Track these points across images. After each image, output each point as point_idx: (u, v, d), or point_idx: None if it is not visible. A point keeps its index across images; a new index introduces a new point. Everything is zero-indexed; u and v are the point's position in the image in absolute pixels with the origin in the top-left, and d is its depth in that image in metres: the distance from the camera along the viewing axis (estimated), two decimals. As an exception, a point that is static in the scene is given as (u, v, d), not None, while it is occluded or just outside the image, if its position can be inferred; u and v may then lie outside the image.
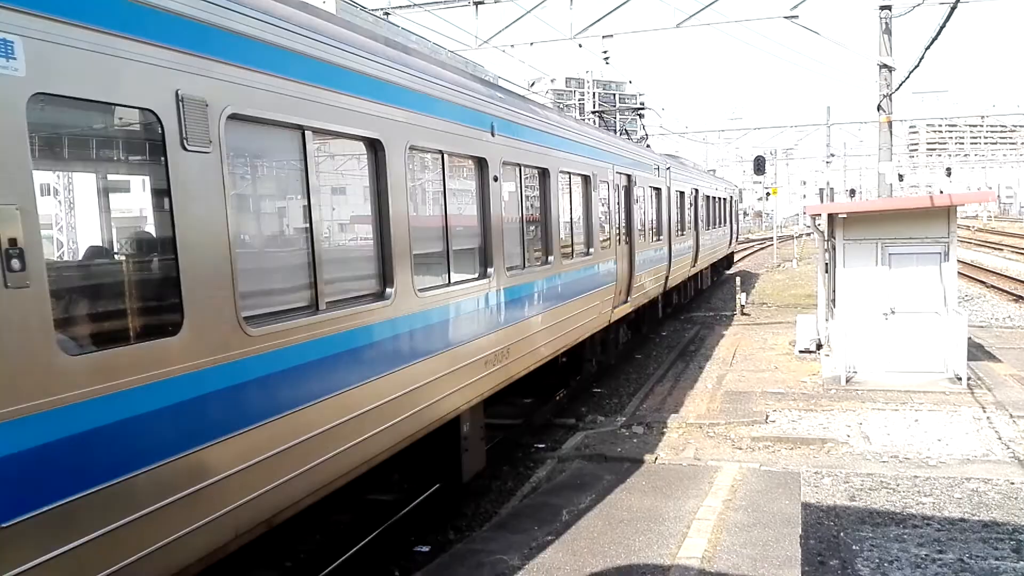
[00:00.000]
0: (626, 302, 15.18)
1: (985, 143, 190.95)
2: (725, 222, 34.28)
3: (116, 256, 6.22)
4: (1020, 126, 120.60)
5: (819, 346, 16.66)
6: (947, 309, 13.61)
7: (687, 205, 22.91)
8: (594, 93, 73.72)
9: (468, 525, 8.95)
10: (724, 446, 10.76)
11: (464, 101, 7.99)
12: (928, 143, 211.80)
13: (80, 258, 5.96)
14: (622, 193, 14.89)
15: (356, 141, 6.26)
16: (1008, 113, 69.49)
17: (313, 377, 5.47)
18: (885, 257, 13.88)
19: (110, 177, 6.70)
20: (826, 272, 16.53)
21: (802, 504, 7.98)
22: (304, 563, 8.15)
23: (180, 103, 4.36)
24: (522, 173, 9.78)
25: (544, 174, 10.49)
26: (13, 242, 3.45)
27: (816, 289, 18.59)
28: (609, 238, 13.85)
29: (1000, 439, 10.59)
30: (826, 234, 16.01)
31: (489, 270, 8.48)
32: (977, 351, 15.87)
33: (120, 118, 4.68)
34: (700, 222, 25.31)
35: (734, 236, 39.46)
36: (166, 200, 4.37)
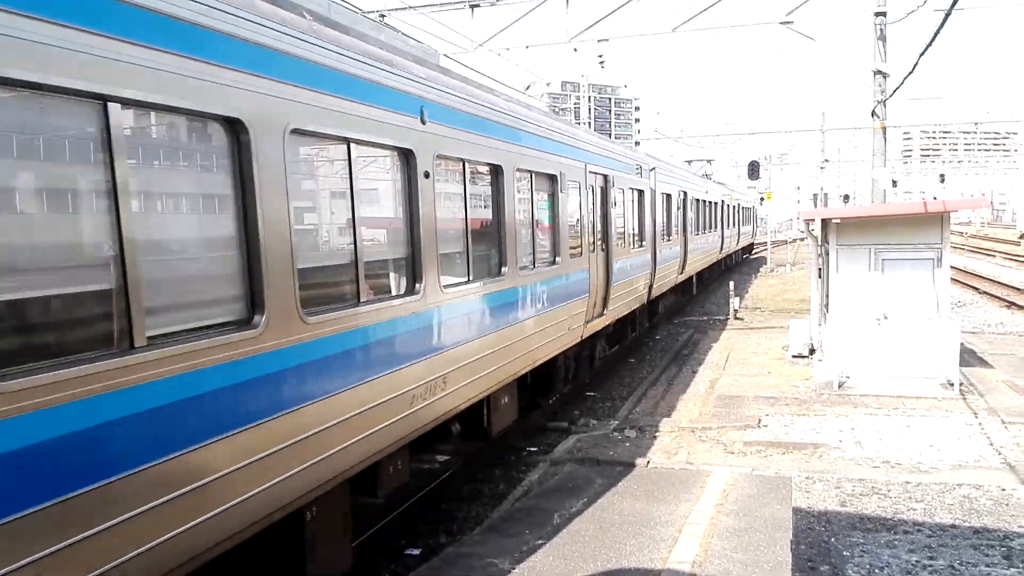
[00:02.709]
0: (602, 315, 13.93)
1: (979, 150, 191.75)
2: (728, 226, 34.13)
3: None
4: (1014, 133, 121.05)
5: (812, 351, 16.67)
6: (940, 315, 13.64)
7: (675, 208, 22.14)
8: (589, 97, 73.73)
9: (459, 528, 8.93)
10: (716, 450, 10.76)
11: (380, 78, 6.59)
12: (922, 149, 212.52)
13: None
14: (597, 195, 13.56)
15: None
16: (1002, 120, 69.81)
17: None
18: (878, 263, 13.91)
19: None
20: (819, 277, 16.55)
21: (793, 509, 7.97)
22: (292, 565, 8.11)
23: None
24: (466, 169, 8.34)
25: (496, 171, 9.12)
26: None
27: (809, 294, 18.62)
28: (580, 245, 12.49)
29: (992, 445, 10.60)
30: (819, 239, 16.03)
31: (418, 285, 7.06)
32: (969, 357, 15.91)
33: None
34: (689, 227, 24.73)
35: (732, 240, 39.71)
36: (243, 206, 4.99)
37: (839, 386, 13.68)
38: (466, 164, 8.29)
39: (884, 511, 8.32)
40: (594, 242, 13.18)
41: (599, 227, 13.65)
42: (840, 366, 13.93)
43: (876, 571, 6.95)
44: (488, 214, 9.05)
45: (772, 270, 40.96)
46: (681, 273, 23.65)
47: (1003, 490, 8.84)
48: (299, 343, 5.37)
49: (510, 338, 9.33)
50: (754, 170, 48.10)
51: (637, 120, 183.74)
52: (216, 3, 4.74)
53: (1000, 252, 54.01)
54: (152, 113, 4.56)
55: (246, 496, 4.88)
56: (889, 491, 8.89)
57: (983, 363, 15.77)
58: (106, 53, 3.99)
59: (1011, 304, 26.06)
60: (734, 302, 24.33)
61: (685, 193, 23.92)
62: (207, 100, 4.64)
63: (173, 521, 4.32)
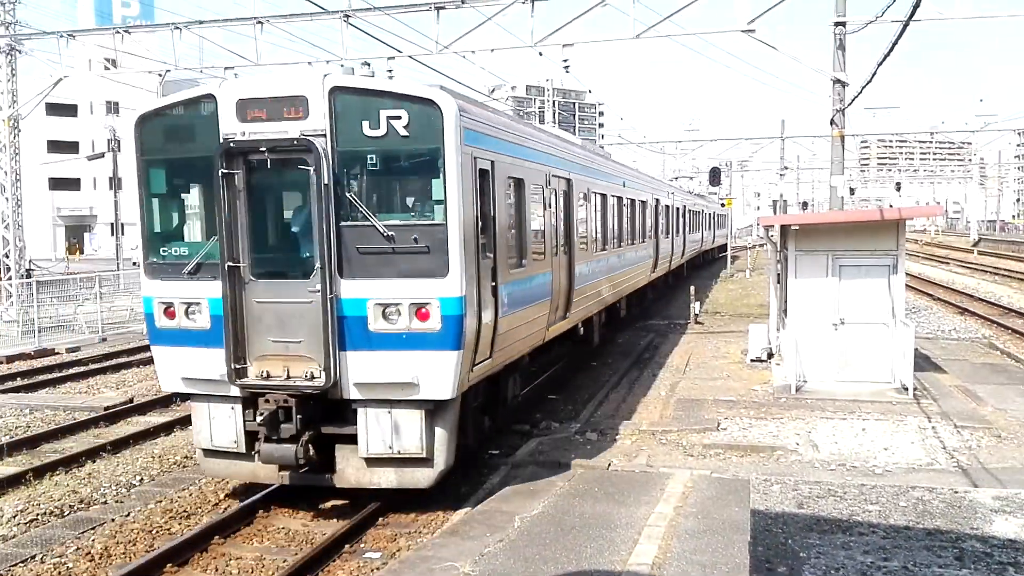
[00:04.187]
0: (565, 318, 13.37)
1: (934, 159, 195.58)
2: (692, 230, 36.09)
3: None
4: (968, 143, 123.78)
5: (770, 355, 16.87)
6: (895, 321, 13.88)
7: (648, 214, 23.19)
8: (554, 101, 73.87)
9: (419, 531, 8.88)
10: (676, 453, 10.83)
11: None
12: (879, 158, 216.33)
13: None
14: (560, 198, 13.07)
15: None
16: (957, 130, 71.23)
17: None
18: (835, 269, 14.10)
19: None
20: (778, 283, 16.74)
21: (751, 511, 8.05)
22: (255, 571, 8.01)
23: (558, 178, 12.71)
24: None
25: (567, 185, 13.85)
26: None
27: (768, 299, 18.84)
28: (544, 249, 12.05)
29: (945, 448, 10.82)
30: (779, 245, 16.22)
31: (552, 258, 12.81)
32: (924, 362, 16.21)
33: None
34: (660, 231, 25.85)
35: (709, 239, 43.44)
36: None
37: (797, 390, 13.85)
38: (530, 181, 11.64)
39: (840, 513, 8.44)
40: (556, 246, 12.83)
41: (563, 230, 13.29)
42: (798, 370, 14.11)
43: (832, 572, 7.04)
44: (541, 220, 12.20)
45: (732, 275, 41.40)
46: (653, 272, 25.26)
47: (955, 493, 9.02)
48: (527, 276, 11.09)
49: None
50: (715, 176, 48.63)
51: (601, 125, 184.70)
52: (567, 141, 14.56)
53: (954, 259, 55.21)
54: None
55: (524, 336, 11.29)
56: (845, 493, 9.02)
57: (937, 368, 16.08)
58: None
59: (964, 311, 26.64)
60: (695, 306, 24.54)
61: (658, 200, 25.49)
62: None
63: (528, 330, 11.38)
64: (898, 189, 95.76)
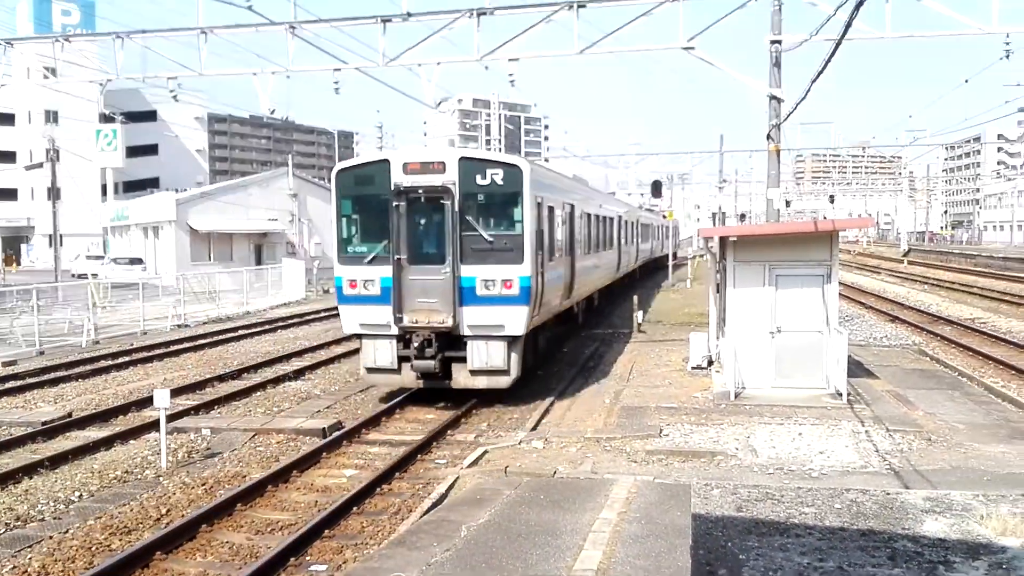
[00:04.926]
0: (568, 298, 19.44)
1: (866, 172, 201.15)
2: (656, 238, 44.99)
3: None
4: (898, 157, 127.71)
5: (711, 363, 17.22)
6: (829, 329, 14.31)
7: (615, 227, 28.15)
8: (500, 115, 74.22)
9: (366, 543, 8.88)
10: (620, 459, 11.02)
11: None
12: (813, 171, 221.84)
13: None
14: (568, 218, 18.93)
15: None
16: (887, 145, 73.60)
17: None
18: (772, 278, 14.48)
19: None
20: (717, 292, 17.12)
21: (693, 515, 8.22)
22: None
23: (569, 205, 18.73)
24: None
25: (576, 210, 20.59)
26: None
27: (708, 308, 19.24)
28: (562, 250, 18.43)
29: (878, 452, 11.19)
30: (718, 256, 16.60)
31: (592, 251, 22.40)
32: (857, 368, 16.71)
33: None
34: (623, 241, 30.42)
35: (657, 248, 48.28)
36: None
37: (736, 396, 14.18)
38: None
39: (778, 516, 8.69)
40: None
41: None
42: (737, 377, 14.45)
43: (770, 573, 7.25)
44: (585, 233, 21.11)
45: (673, 285, 42.04)
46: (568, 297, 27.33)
47: (887, 494, 9.34)
48: (555, 268, 16.70)
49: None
50: (657, 189, 49.41)
51: (546, 139, 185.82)
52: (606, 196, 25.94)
53: (885, 269, 56.92)
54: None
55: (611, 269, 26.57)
56: (782, 496, 9.29)
57: (869, 374, 16.60)
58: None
59: (895, 318, 27.51)
60: (638, 315, 24.90)
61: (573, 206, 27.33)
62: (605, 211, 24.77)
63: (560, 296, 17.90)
64: (832, 201, 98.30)
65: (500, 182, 14.36)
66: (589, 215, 21.93)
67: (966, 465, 10.60)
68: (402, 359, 14.59)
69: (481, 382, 14.55)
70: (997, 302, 32.51)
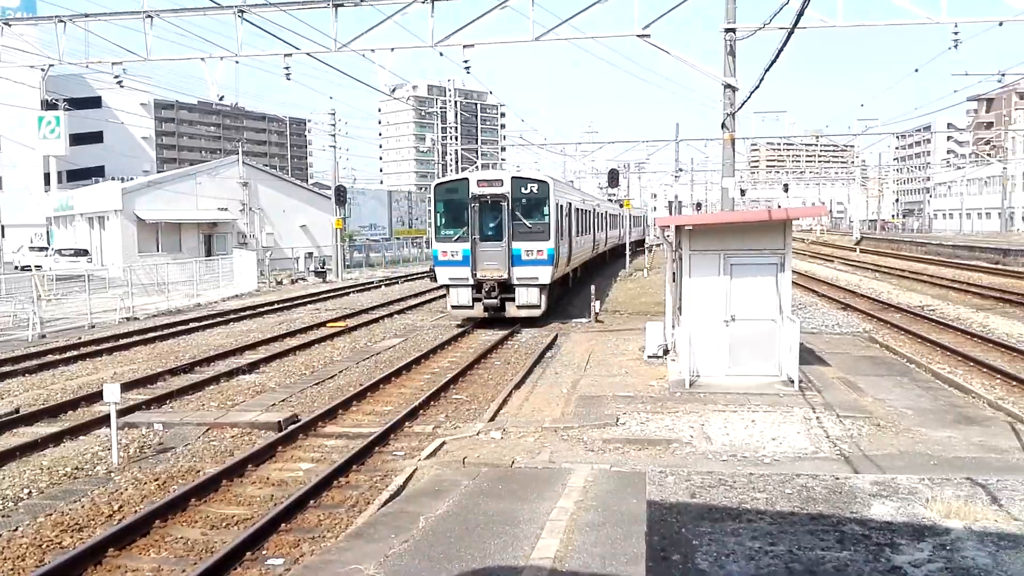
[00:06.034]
0: (568, 265, 28.53)
1: (820, 161, 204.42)
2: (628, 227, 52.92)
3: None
4: (851, 146, 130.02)
5: (667, 351, 17.39)
6: (782, 317, 14.53)
7: (592, 217, 36.47)
8: (456, 102, 73.89)
9: (323, 536, 8.84)
10: (577, 448, 11.09)
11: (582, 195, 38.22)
12: (768, 160, 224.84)
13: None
14: (569, 212, 28.13)
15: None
16: (840, 134, 74.91)
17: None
18: (727, 267, 14.63)
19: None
20: (673, 281, 17.26)
21: (648, 502, 8.32)
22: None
23: (570, 203, 28.28)
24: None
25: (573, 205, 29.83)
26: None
27: (665, 297, 19.42)
28: (566, 233, 27.25)
29: (828, 437, 11.42)
30: (674, 245, 16.73)
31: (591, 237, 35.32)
32: (809, 356, 17.01)
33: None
34: (597, 228, 39.14)
35: (627, 234, 53.43)
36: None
37: (691, 384, 14.35)
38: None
39: (730, 501, 8.83)
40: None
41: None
42: (692, 365, 14.61)
43: (723, 558, 7.38)
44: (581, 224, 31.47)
45: (631, 274, 42.35)
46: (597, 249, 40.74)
47: (837, 479, 9.54)
48: (562, 244, 25.52)
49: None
50: (614, 178, 49.66)
51: (503, 127, 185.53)
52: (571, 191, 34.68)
53: (838, 258, 57.92)
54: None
55: (593, 248, 36.95)
56: (735, 482, 9.43)
57: (821, 361, 16.91)
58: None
59: (847, 306, 28.03)
60: (595, 305, 25.06)
61: (595, 208, 39.62)
62: (587, 206, 34.69)
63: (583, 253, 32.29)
64: (786, 190, 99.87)
65: (536, 191, 23.67)
66: (580, 210, 31.19)
67: (913, 450, 10.86)
68: (475, 299, 23.50)
69: (523, 312, 23.60)
70: (946, 289, 33.28)
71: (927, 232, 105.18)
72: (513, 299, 23.31)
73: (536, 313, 23.48)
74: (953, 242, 61.24)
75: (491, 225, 23.44)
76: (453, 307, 23.99)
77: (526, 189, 23.53)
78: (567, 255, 26.38)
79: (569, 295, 29.21)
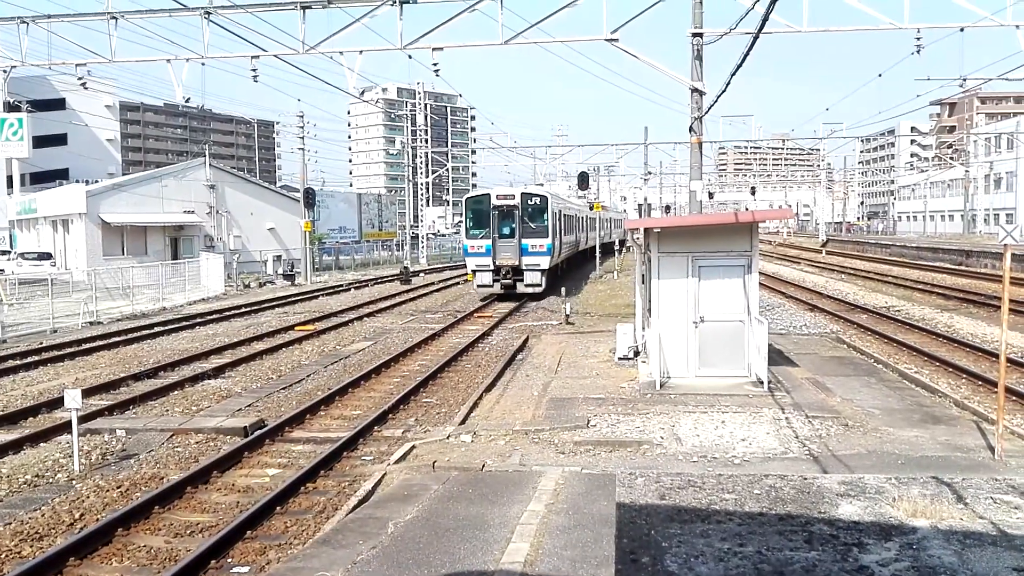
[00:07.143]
0: (559, 257, 37.11)
1: (786, 165, 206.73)
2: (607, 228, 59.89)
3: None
4: (817, 150, 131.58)
5: (637, 353, 17.41)
6: (750, 318, 14.60)
7: (575, 220, 44.51)
8: (425, 105, 73.68)
9: (289, 543, 8.71)
10: (548, 451, 11.05)
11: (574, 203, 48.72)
12: (736, 163, 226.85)
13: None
14: (559, 216, 35.95)
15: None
16: (806, 137, 75.79)
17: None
18: (695, 270, 14.68)
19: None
20: (643, 283, 17.30)
21: (617, 504, 8.31)
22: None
23: (561, 209, 38.22)
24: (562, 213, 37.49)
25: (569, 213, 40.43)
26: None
27: (634, 299, 19.46)
28: (559, 233, 35.23)
29: (797, 438, 11.48)
30: (643, 247, 16.77)
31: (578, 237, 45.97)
32: (777, 357, 17.12)
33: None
34: (579, 229, 45.90)
35: (607, 235, 60.00)
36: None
37: (661, 386, 14.37)
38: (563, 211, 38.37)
39: (699, 503, 8.83)
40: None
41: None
42: (662, 367, 14.64)
43: (692, 559, 7.37)
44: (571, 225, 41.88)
45: (601, 276, 42.51)
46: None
47: (805, 479, 9.58)
48: (556, 241, 34.54)
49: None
50: (583, 181, 49.83)
51: (473, 130, 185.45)
52: (584, 206, 50.61)
53: (805, 259, 58.54)
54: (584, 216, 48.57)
55: (575, 247, 45.75)
56: (704, 484, 9.44)
57: (790, 362, 17.03)
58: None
59: (814, 307, 28.30)
60: (566, 307, 25.07)
61: (577, 213, 47.06)
62: (572, 211, 43.65)
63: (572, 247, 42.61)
64: (753, 193, 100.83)
65: (539, 203, 32.41)
66: (568, 215, 39.95)
67: (881, 449, 10.95)
68: (495, 280, 31.73)
69: (530, 290, 31.68)
70: (911, 290, 33.74)
71: (892, 234, 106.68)
72: (522, 279, 31.77)
73: (538, 290, 31.87)
74: (917, 244, 62.13)
75: (506, 227, 31.79)
76: (479, 286, 32.47)
77: (531, 201, 32.45)
78: (559, 249, 35.14)
79: (560, 279, 36.85)
